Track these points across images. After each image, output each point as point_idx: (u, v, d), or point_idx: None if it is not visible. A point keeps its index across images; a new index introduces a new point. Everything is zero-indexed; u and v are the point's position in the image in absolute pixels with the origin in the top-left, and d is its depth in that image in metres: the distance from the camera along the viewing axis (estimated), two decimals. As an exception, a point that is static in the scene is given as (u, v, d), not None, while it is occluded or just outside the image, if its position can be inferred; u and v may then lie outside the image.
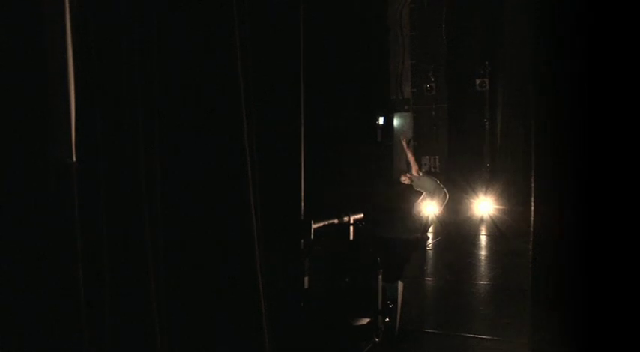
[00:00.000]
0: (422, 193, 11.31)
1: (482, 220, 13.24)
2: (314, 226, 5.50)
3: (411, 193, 13.91)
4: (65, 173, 3.20)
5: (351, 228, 6.09)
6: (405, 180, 11.45)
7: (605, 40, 3.91)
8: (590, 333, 4.13)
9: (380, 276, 5.64)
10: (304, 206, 5.47)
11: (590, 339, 4.14)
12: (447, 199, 11.26)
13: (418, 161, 14.94)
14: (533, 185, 4.39)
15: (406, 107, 15.21)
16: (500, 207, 13.38)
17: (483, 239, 11.94)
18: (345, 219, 6.03)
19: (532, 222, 4.41)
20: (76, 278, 3.16)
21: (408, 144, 12.19)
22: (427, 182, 11.34)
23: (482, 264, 10.08)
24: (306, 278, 5.42)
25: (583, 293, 4.13)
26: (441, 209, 11.28)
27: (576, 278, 4.17)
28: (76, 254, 3.17)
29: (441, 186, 11.31)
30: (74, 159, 3.26)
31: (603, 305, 4.04)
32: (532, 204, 4.40)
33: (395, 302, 5.87)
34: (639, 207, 3.89)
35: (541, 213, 4.36)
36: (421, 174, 11.46)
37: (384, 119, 14.22)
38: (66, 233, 3.13)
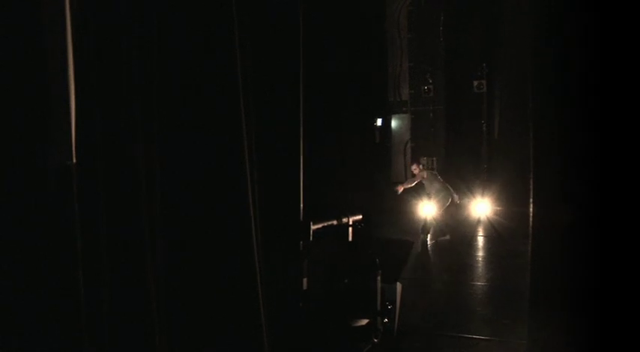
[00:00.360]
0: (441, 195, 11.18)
1: (479, 221, 13.24)
2: (313, 227, 5.49)
3: (411, 194, 13.94)
4: (65, 174, 3.19)
5: (350, 229, 6.09)
6: (424, 174, 11.29)
7: (603, 40, 3.93)
8: (590, 335, 4.14)
9: (379, 278, 5.64)
10: (303, 207, 5.47)
11: (589, 340, 4.15)
12: (449, 202, 11.18)
13: (416, 161, 14.96)
14: (532, 186, 4.39)
15: (404, 109, 15.24)
16: (498, 209, 13.38)
17: (481, 240, 11.93)
18: (344, 220, 6.03)
19: (531, 223, 4.42)
20: (76, 278, 3.16)
21: (407, 184, 11.88)
22: (433, 182, 11.25)
23: (480, 265, 10.08)
24: (305, 280, 5.42)
25: (582, 295, 4.14)
26: (441, 211, 11.24)
27: (575, 280, 4.17)
28: (76, 254, 3.16)
29: (448, 187, 11.25)
30: (74, 160, 3.25)
31: (602, 307, 4.05)
32: (531, 205, 4.40)
33: (394, 303, 5.87)
34: (638, 207, 3.91)
35: (540, 214, 4.36)
36: (425, 175, 11.35)
37: (382, 120, 14.24)
38: (66, 233, 3.12)
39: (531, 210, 4.39)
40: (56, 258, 3.08)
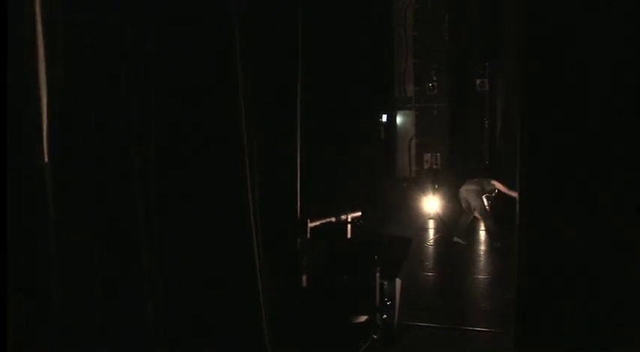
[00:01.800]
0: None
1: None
2: (312, 225, 5.52)
3: (413, 190, 13.94)
4: (39, 174, 3.16)
5: (349, 226, 6.11)
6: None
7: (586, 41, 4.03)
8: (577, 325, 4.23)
9: (378, 274, 5.66)
10: (302, 205, 5.49)
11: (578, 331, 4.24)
12: None
13: (420, 158, 14.96)
14: (518, 180, 4.48)
15: (409, 105, 15.25)
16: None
17: (482, 234, 11.93)
18: (343, 217, 6.04)
19: (517, 218, 4.49)
20: (75, 279, 3.19)
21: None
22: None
23: (482, 258, 10.13)
24: (304, 277, 5.45)
25: (569, 287, 4.23)
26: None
27: (562, 272, 4.27)
28: (74, 254, 3.20)
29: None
30: (46, 160, 3.19)
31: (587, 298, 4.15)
32: (517, 198, 4.50)
33: (393, 299, 5.88)
34: (625, 201, 4.01)
35: (527, 210, 4.45)
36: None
37: (388, 116, 14.24)
38: (64, 234, 3.15)
39: (517, 205, 4.48)
40: (55, 258, 3.11)
